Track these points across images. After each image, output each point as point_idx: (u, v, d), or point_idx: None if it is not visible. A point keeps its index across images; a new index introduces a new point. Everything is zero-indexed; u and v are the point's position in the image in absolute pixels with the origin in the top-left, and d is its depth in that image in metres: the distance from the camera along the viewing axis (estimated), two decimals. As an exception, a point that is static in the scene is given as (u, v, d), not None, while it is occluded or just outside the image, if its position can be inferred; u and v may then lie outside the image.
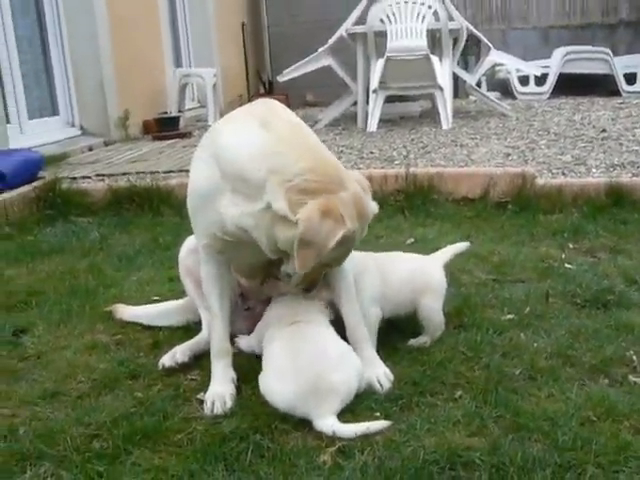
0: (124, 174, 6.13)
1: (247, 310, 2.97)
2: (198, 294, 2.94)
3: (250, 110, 2.60)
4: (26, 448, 2.27)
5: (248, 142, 2.41)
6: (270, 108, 2.55)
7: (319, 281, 2.57)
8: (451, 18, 8.72)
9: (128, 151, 7.69)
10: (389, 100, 8.81)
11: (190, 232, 3.01)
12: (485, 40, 9.08)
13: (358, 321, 2.69)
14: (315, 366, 2.36)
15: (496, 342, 2.86)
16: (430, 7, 8.13)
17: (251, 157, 2.37)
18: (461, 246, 3.19)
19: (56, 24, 8.08)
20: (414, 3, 8.08)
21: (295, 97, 12.16)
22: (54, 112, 8.20)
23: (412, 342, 2.86)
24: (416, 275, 2.91)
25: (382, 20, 8.21)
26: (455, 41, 8.83)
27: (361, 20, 8.71)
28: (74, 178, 6.06)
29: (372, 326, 2.80)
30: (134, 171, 6.20)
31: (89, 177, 6.17)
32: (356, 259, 2.78)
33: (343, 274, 2.68)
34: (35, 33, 7.95)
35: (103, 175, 6.20)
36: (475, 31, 9.00)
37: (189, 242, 3.05)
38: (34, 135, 7.48)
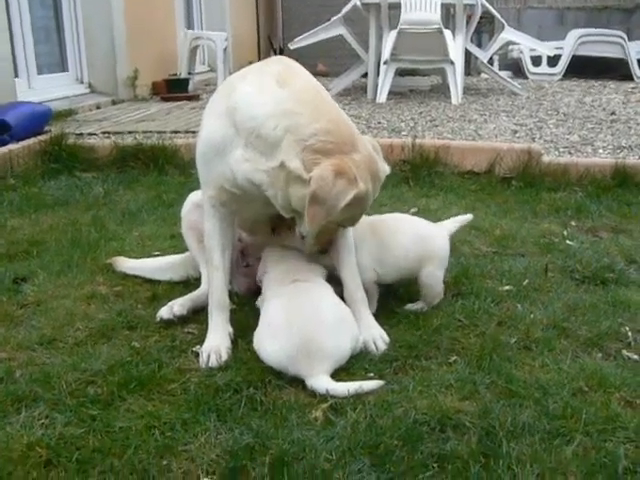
0: (130, 132, 6.12)
1: (246, 267, 2.98)
2: (199, 249, 2.96)
3: (266, 67, 2.59)
4: (22, 390, 2.30)
5: (265, 99, 2.41)
6: (287, 66, 2.57)
7: (330, 243, 2.61)
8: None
9: (136, 111, 7.67)
10: (400, 73, 8.76)
11: (194, 189, 3.04)
12: (499, 17, 9.00)
13: (357, 284, 2.70)
14: (309, 328, 2.37)
15: (493, 311, 2.87)
16: (446, -20, 8.04)
17: (268, 115, 2.38)
18: (465, 218, 3.16)
19: (69, -21, 8.01)
20: (430, -24, 7.98)
21: (306, 66, 11.74)
22: (63, 68, 8.15)
23: (409, 307, 2.89)
24: (420, 241, 2.89)
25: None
26: (469, 17, 8.76)
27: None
28: (80, 134, 6.07)
29: (370, 290, 2.82)
30: (141, 130, 6.18)
31: (95, 134, 6.17)
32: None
33: (345, 237, 2.68)
34: (47, -14, 7.89)
35: (109, 133, 6.19)
36: (490, 7, 8.91)
37: (193, 197, 3.06)
38: (42, 90, 7.44)
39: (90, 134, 6.15)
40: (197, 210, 2.94)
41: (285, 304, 2.49)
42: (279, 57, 2.76)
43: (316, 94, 2.48)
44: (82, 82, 8.33)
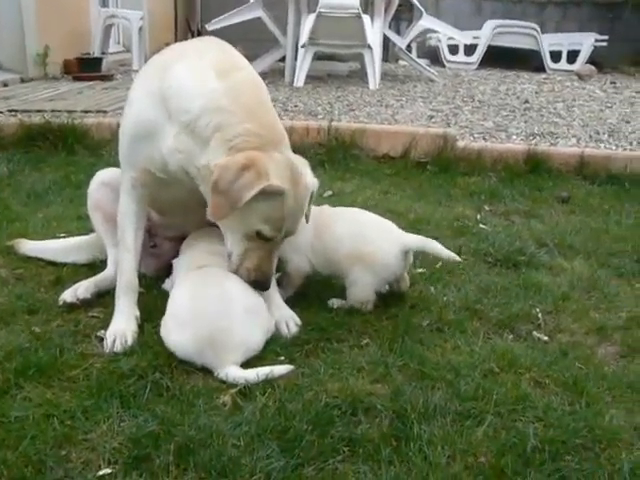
0: (39, 111, 5.85)
1: (153, 247, 2.89)
2: (106, 229, 2.85)
3: (205, 51, 2.50)
4: None
5: (202, 91, 2.34)
6: (228, 54, 2.51)
7: (270, 272, 2.45)
8: (385, -21, 8.67)
9: (45, 89, 7.38)
10: (318, 58, 8.72)
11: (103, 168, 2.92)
12: (418, 5, 9.06)
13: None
14: (216, 319, 2.28)
15: (407, 294, 2.85)
16: (364, -35, 8.03)
17: (202, 109, 2.31)
18: (433, 245, 2.77)
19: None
20: (349, -41, 7.95)
21: (224, 49, 11.91)
22: (-33, 42, 7.78)
23: (331, 301, 2.75)
24: (358, 240, 2.72)
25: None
26: (388, 3, 8.77)
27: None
28: (-17, 112, 5.78)
29: (292, 276, 2.78)
30: (49, 109, 5.93)
31: (1, 112, 5.88)
32: None
33: None
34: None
35: (16, 111, 5.92)
36: (408, -7, 8.96)
37: (101, 175, 2.94)
38: (-59, 65, 7.10)
39: (-5, 112, 5.88)
40: (103, 188, 2.85)
41: (192, 293, 2.39)
42: (214, 38, 2.67)
43: (254, 92, 2.41)
44: (-12, 58, 7.97)
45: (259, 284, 2.43)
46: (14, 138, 5.19)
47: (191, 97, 2.34)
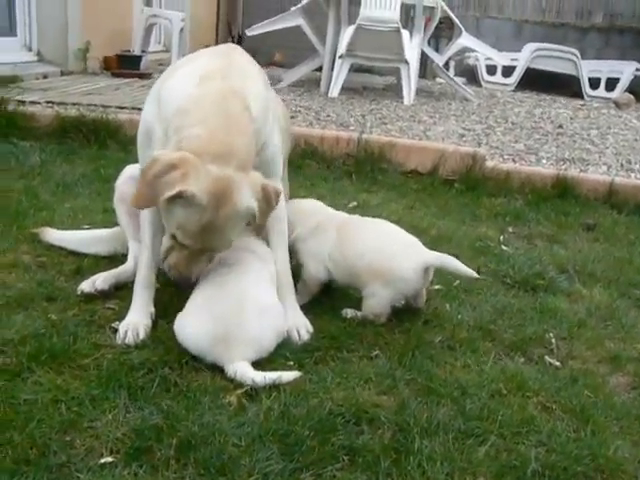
0: (75, 104, 5.94)
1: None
2: (129, 223, 2.89)
3: (207, 56, 2.57)
4: None
5: (178, 95, 2.38)
6: (227, 62, 2.50)
7: (187, 275, 2.40)
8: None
9: (84, 83, 7.46)
10: (355, 70, 8.75)
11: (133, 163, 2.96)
12: (458, 23, 9.05)
13: (284, 269, 2.68)
14: (231, 314, 2.31)
15: (421, 309, 2.85)
16: (407, -19, 8.05)
17: (174, 113, 2.34)
18: (453, 262, 2.76)
19: (24, -60, 7.77)
20: (392, -26, 7.98)
21: (263, 55, 11.91)
22: (11, 32, 7.89)
23: (345, 311, 2.75)
24: (378, 255, 2.72)
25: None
26: (428, 20, 8.79)
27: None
28: (22, 102, 5.86)
29: (309, 284, 2.81)
30: (85, 103, 6.02)
31: (38, 102, 5.97)
32: (320, 215, 2.89)
33: (277, 221, 2.64)
34: (0, -54, 7.64)
35: (53, 103, 6.00)
36: (449, 12, 8.95)
37: (129, 169, 2.99)
38: (-15, 53, 7.22)
39: (33, 102, 5.95)
40: (130, 183, 2.86)
41: (210, 290, 2.43)
42: (234, 46, 2.71)
43: (222, 101, 2.33)
44: (30, 49, 8.05)
45: (177, 283, 2.47)
46: (49, 129, 5.28)
47: (171, 100, 2.39)
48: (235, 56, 2.57)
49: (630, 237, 4.26)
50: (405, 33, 7.83)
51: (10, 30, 7.86)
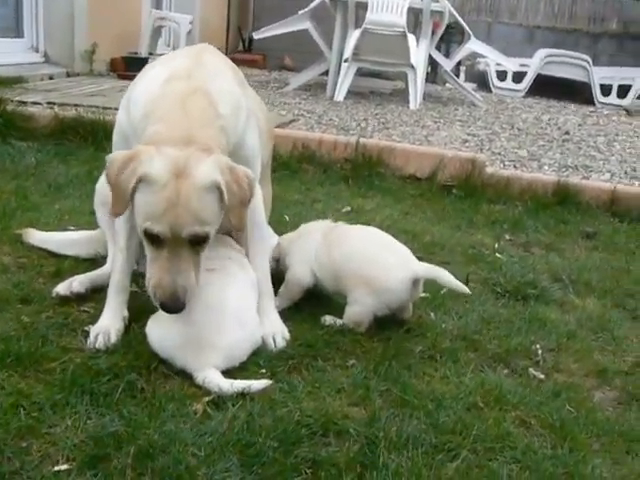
0: (76, 105, 5.92)
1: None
2: (109, 225, 2.83)
3: (180, 57, 2.55)
4: None
5: (146, 99, 2.35)
6: (196, 60, 2.47)
7: (171, 289, 2.18)
8: (437, 0, 8.62)
9: (88, 85, 7.45)
10: (363, 74, 8.70)
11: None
12: (466, 27, 8.98)
13: (264, 276, 2.62)
14: (205, 320, 2.26)
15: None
16: (415, -15, 7.98)
17: (142, 115, 2.33)
18: (443, 275, 2.67)
19: (32, -59, 7.78)
20: (399, -21, 7.93)
21: (273, 59, 11.96)
22: (18, 34, 7.90)
23: (325, 318, 2.68)
24: (363, 262, 2.66)
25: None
26: (437, 25, 8.72)
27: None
28: (24, 102, 5.85)
29: (288, 286, 2.75)
30: (87, 104, 5.99)
31: (40, 103, 5.95)
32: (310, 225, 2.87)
33: (256, 227, 2.59)
34: (8, -52, 7.65)
35: (54, 103, 5.98)
36: (458, 17, 8.88)
37: (110, 172, 2.93)
38: (-9, 54, 7.23)
39: (34, 103, 5.92)
40: (110, 185, 2.83)
41: None
42: (206, 46, 2.66)
43: (184, 98, 2.29)
44: (37, 51, 8.06)
45: (165, 306, 2.20)
46: (47, 130, 5.25)
47: (138, 103, 2.37)
48: (205, 55, 2.52)
49: (630, 246, 4.17)
50: (411, 37, 7.78)
51: (17, 32, 7.89)
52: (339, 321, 2.66)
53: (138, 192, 2.17)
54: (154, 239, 2.20)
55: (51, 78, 7.65)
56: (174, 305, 2.19)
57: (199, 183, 2.16)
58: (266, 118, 2.93)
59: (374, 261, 2.66)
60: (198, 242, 2.22)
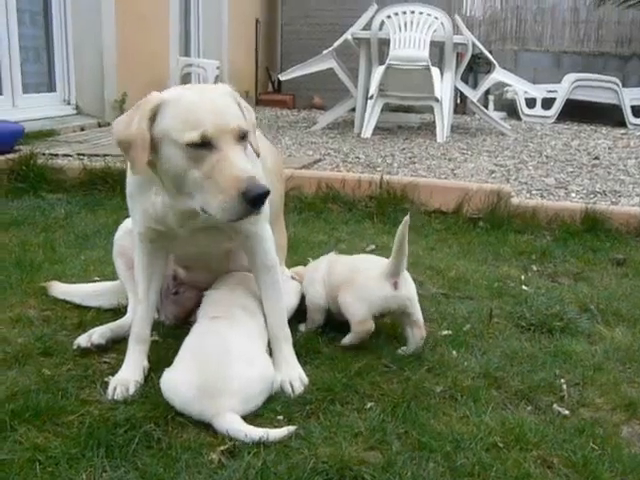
0: (105, 156, 6.04)
1: (175, 295, 2.89)
2: (128, 276, 2.87)
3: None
4: None
5: None
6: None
7: (246, 173, 2.11)
8: (460, 33, 8.67)
9: (119, 134, 7.59)
10: (391, 110, 8.74)
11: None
12: (491, 57, 8.99)
13: (280, 320, 2.60)
14: (215, 366, 2.25)
15: (425, 356, 2.75)
16: (437, 19, 8.03)
17: None
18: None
19: (61, 0, 8.02)
20: (420, 14, 7.99)
21: (302, 98, 12.11)
22: (51, 88, 8.15)
23: (344, 341, 2.80)
24: (348, 270, 2.90)
25: (386, 27, 8.11)
26: (462, 56, 8.76)
27: (369, 26, 8.62)
28: (55, 155, 5.99)
29: (308, 307, 2.93)
30: (115, 153, 6.10)
31: (70, 155, 6.09)
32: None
33: (267, 270, 2.58)
34: (38, 8, 7.90)
35: (85, 155, 6.11)
36: (482, 47, 8.90)
37: (127, 223, 2.97)
38: (27, 109, 7.45)
39: (65, 155, 6.07)
40: (128, 236, 2.87)
41: (194, 341, 2.40)
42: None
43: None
44: (69, 103, 8.31)
45: (254, 191, 2.06)
46: (76, 181, 5.37)
47: None
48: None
49: (662, 272, 4.08)
50: (435, 71, 7.80)
51: (50, 86, 8.14)
52: (349, 336, 2.77)
53: (162, 121, 2.17)
54: (203, 145, 2.12)
55: (82, 129, 7.85)
56: (261, 187, 2.08)
57: (220, 91, 2.27)
58: (275, 160, 2.94)
59: (356, 269, 2.88)
60: (243, 138, 2.21)
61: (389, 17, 8.11)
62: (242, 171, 2.09)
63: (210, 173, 2.10)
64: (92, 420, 2.21)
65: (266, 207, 2.56)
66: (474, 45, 8.73)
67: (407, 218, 2.74)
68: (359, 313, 2.75)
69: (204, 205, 2.15)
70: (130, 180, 2.51)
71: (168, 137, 2.16)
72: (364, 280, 2.80)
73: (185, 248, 2.64)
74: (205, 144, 2.11)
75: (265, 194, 2.08)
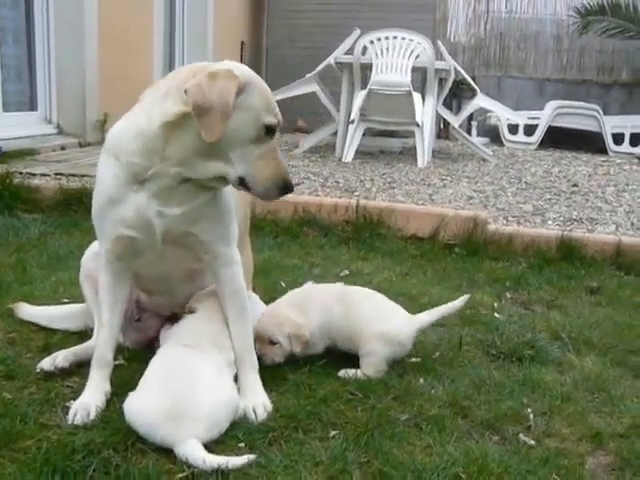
0: (83, 176, 6.00)
1: (137, 321, 2.86)
2: (94, 299, 2.84)
3: None
4: None
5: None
6: None
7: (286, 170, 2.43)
8: (442, 58, 8.73)
9: (99, 155, 7.52)
10: (374, 134, 8.77)
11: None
12: (473, 83, 9.06)
13: (246, 346, 2.58)
14: (180, 391, 2.23)
15: (392, 384, 2.73)
16: (419, 44, 8.09)
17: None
18: (456, 304, 3.02)
19: (44, 20, 8.00)
20: (403, 39, 8.05)
21: (287, 122, 11.99)
22: (32, 107, 8.11)
23: (341, 373, 2.81)
24: (379, 319, 2.90)
25: (369, 52, 8.16)
26: (442, 81, 8.83)
27: (352, 51, 8.66)
28: (33, 174, 5.95)
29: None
30: (94, 174, 6.06)
31: (48, 175, 6.05)
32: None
33: (233, 295, 2.57)
34: (21, 26, 7.88)
35: (62, 174, 6.08)
36: (464, 73, 8.97)
37: (94, 246, 2.96)
38: (7, 128, 7.38)
39: (42, 175, 6.03)
40: (95, 259, 2.85)
41: (158, 367, 2.37)
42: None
43: None
44: (50, 122, 8.26)
45: (287, 186, 2.40)
46: (52, 201, 5.33)
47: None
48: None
49: (635, 300, 4.09)
50: (417, 96, 7.85)
51: (31, 105, 8.09)
52: (359, 372, 2.78)
53: (246, 99, 2.29)
54: (268, 130, 2.33)
55: (63, 149, 7.81)
56: (292, 183, 2.45)
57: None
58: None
59: (385, 318, 2.90)
60: None
61: (372, 42, 8.16)
62: (285, 165, 2.45)
63: (265, 155, 2.34)
64: (49, 445, 2.17)
65: (235, 229, 2.58)
66: (457, 71, 8.80)
67: (466, 297, 3.01)
68: (382, 365, 2.83)
69: (246, 175, 2.35)
70: (101, 188, 2.72)
71: (250, 113, 2.31)
72: (396, 333, 2.87)
73: (150, 267, 2.63)
74: (272, 130, 2.34)
75: (293, 188, 2.45)
